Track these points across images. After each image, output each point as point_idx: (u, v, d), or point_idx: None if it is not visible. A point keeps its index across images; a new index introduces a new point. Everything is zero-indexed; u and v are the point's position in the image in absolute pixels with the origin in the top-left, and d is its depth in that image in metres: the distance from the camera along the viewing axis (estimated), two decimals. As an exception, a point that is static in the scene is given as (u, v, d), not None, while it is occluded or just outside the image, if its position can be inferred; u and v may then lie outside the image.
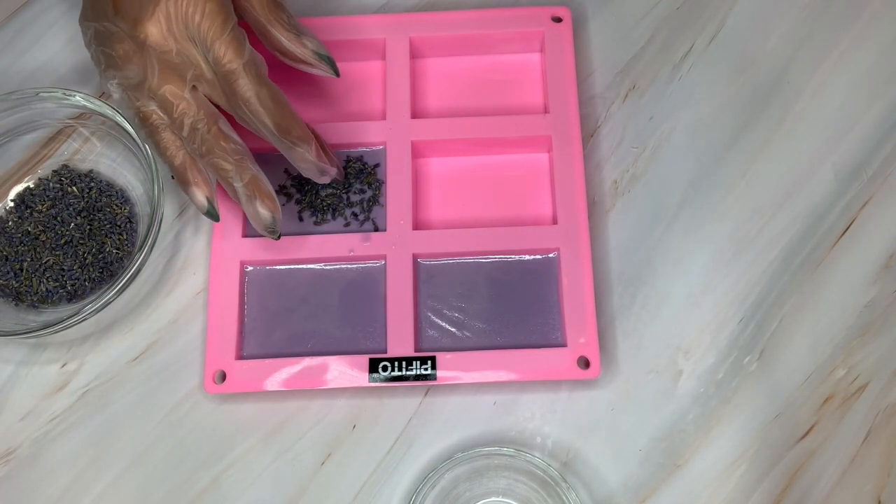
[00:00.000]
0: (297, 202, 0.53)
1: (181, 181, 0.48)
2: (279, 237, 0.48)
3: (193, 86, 0.46)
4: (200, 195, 0.47)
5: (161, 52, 0.46)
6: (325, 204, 0.52)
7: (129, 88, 0.47)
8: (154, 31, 0.46)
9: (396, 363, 0.48)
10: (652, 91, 0.55)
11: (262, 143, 0.48)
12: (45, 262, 0.51)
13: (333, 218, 0.52)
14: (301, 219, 0.52)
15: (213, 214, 0.48)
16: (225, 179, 0.47)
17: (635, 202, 0.53)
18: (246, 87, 0.45)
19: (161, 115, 0.47)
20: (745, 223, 0.52)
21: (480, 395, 0.49)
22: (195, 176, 0.47)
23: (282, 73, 0.55)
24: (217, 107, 0.47)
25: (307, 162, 0.47)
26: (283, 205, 0.53)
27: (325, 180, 0.49)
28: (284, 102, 0.46)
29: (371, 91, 0.56)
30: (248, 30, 0.48)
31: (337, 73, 0.49)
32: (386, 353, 0.49)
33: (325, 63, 0.48)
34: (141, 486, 0.48)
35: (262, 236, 0.51)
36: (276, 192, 0.53)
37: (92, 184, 0.53)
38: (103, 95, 0.55)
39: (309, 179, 0.53)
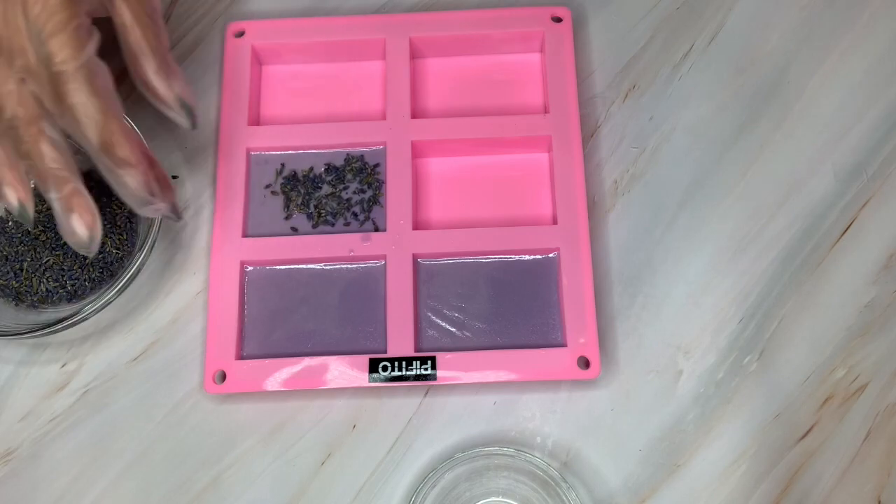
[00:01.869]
0: (297, 202, 0.53)
1: None
2: (94, 255, 0.45)
3: (22, 78, 0.41)
4: (12, 195, 0.43)
5: None
6: (324, 204, 0.52)
7: None
8: None
9: (396, 363, 0.48)
10: (652, 91, 0.55)
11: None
12: (45, 262, 0.51)
13: (333, 218, 0.52)
14: (300, 218, 0.52)
15: (26, 217, 0.44)
16: (41, 188, 0.43)
17: (635, 202, 0.53)
18: (75, 92, 0.40)
19: None
20: (745, 223, 0.52)
21: (480, 395, 0.50)
22: (6, 174, 0.43)
23: (279, 72, 0.56)
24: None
25: (126, 188, 0.43)
26: (283, 206, 0.53)
27: (148, 214, 0.45)
28: (115, 118, 0.41)
29: (371, 91, 0.56)
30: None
31: (193, 126, 0.45)
32: (386, 353, 0.49)
33: (184, 112, 0.44)
34: (141, 486, 0.48)
35: (262, 236, 0.52)
36: (277, 191, 0.53)
37: (92, 183, 0.53)
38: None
39: (308, 179, 0.53)
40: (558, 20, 0.55)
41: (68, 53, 0.40)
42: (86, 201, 0.43)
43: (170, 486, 0.48)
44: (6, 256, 0.52)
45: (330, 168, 0.53)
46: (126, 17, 0.42)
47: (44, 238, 0.52)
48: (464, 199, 0.53)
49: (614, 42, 0.56)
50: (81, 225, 0.43)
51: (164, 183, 0.46)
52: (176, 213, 0.47)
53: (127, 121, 0.48)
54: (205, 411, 0.50)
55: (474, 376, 0.48)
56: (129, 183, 0.42)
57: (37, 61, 0.41)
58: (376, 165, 0.53)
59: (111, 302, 0.48)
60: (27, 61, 0.41)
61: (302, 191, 0.53)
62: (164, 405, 0.50)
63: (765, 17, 0.57)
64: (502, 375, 0.48)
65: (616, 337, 0.50)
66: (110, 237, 0.52)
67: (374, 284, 0.51)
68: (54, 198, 0.43)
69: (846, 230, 0.52)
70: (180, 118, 0.44)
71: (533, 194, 0.53)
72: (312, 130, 0.53)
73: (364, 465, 0.48)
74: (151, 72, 0.43)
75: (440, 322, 0.50)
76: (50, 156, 0.42)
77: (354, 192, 0.53)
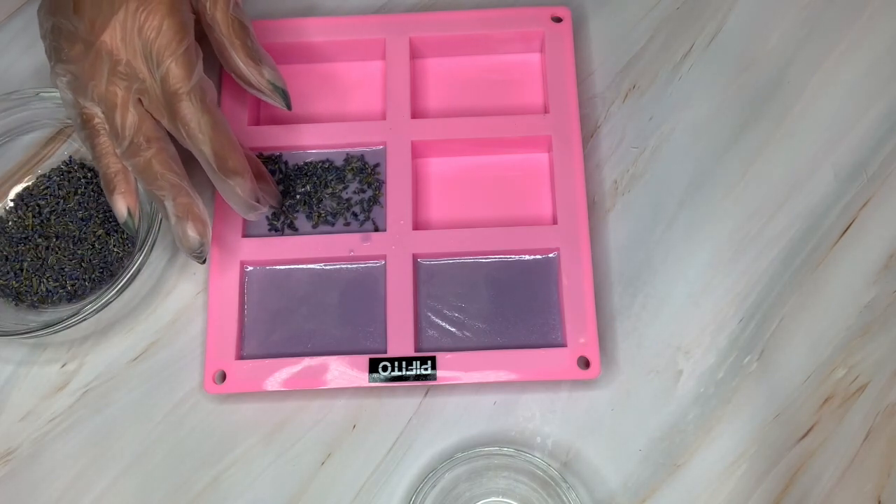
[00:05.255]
0: (297, 202, 0.53)
1: (106, 187, 0.47)
2: (205, 262, 0.47)
3: (139, 99, 0.46)
4: (122, 204, 0.47)
5: (112, 60, 0.45)
6: (324, 205, 0.52)
7: (77, 89, 0.47)
8: (108, 37, 0.45)
9: (396, 363, 0.48)
10: (652, 91, 0.55)
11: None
12: (46, 262, 0.51)
13: (333, 218, 0.52)
14: (298, 218, 0.52)
15: (130, 227, 0.47)
16: (157, 198, 0.46)
17: (635, 202, 0.53)
18: (188, 110, 0.45)
19: (103, 119, 0.47)
20: (745, 223, 0.52)
21: (480, 395, 0.49)
22: (122, 185, 0.47)
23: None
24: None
25: (237, 197, 0.46)
26: (284, 204, 0.53)
27: (252, 217, 0.49)
28: (225, 131, 0.46)
29: (371, 91, 0.56)
30: (207, 49, 0.48)
31: (289, 107, 0.49)
32: (386, 353, 0.49)
33: (278, 95, 0.48)
34: (141, 486, 0.48)
35: (262, 236, 0.52)
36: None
37: (92, 183, 0.53)
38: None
39: (309, 179, 0.53)
40: (558, 20, 0.55)
41: (182, 75, 0.44)
42: (199, 210, 0.46)
43: (170, 486, 0.48)
44: (6, 256, 0.52)
45: (330, 168, 0.53)
46: (214, 15, 0.47)
47: (44, 238, 0.52)
48: (464, 199, 0.53)
49: (614, 42, 0.56)
50: (194, 231, 0.46)
51: (268, 180, 0.50)
52: (278, 202, 0.52)
53: None
54: (205, 411, 0.50)
55: (474, 376, 0.48)
56: (239, 192, 0.46)
57: (152, 82, 0.45)
58: (376, 165, 0.53)
59: (111, 302, 0.48)
60: (143, 83, 0.45)
61: (302, 191, 0.53)
62: (164, 405, 0.50)
63: (765, 17, 0.57)
64: (502, 375, 0.48)
65: (616, 337, 0.50)
66: (111, 236, 0.52)
67: (374, 284, 0.51)
68: (169, 206, 0.46)
69: (846, 230, 0.52)
70: (276, 101, 0.49)
71: (533, 194, 0.53)
72: (312, 130, 0.53)
73: (364, 465, 0.48)
74: (241, 63, 0.47)
75: (440, 322, 0.50)
76: (167, 169, 0.46)
77: (354, 192, 0.53)
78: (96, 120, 0.47)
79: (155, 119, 0.46)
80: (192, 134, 0.45)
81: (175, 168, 0.46)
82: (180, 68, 0.45)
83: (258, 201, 0.47)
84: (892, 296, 0.51)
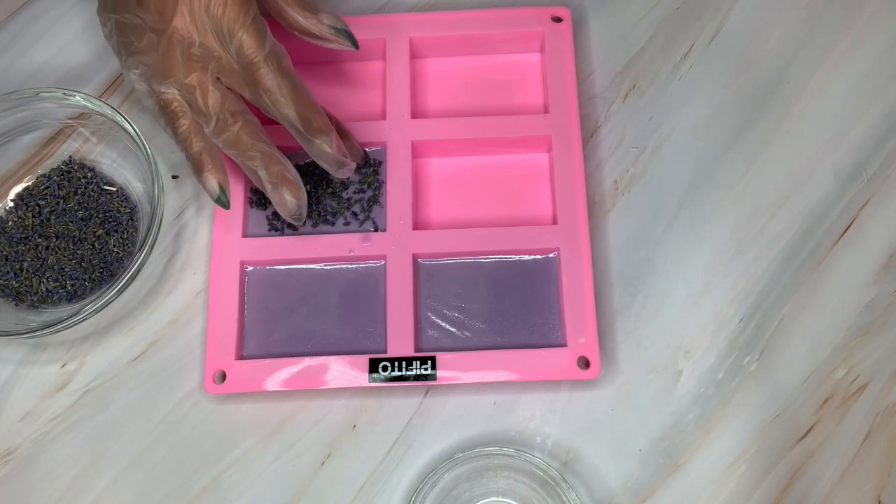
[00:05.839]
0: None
1: (195, 168, 0.48)
2: (304, 224, 0.49)
3: (217, 77, 0.47)
4: (213, 181, 0.48)
5: (185, 44, 0.47)
6: (324, 204, 0.52)
7: (152, 78, 0.47)
8: (178, 22, 0.46)
9: (396, 363, 0.48)
10: (652, 91, 0.55)
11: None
12: (46, 262, 0.51)
13: (333, 218, 0.52)
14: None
15: (223, 202, 0.48)
16: (250, 169, 0.47)
17: (635, 202, 0.53)
18: (267, 77, 0.46)
19: (182, 102, 0.47)
20: (745, 223, 0.52)
21: (480, 395, 0.49)
22: (210, 162, 0.48)
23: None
24: (243, 99, 0.48)
25: (326, 155, 0.47)
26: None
27: (344, 174, 0.49)
28: (306, 93, 0.47)
29: (371, 91, 0.56)
30: (269, 20, 0.48)
31: (356, 46, 0.49)
32: (386, 353, 0.49)
33: (342, 37, 0.48)
34: (141, 486, 0.48)
35: (262, 236, 0.52)
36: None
37: (92, 183, 0.53)
38: (104, 95, 0.55)
39: (309, 179, 0.53)
40: (558, 20, 0.55)
41: (255, 44, 0.46)
42: (292, 176, 0.47)
43: (170, 486, 0.48)
44: (6, 256, 0.52)
45: (330, 168, 0.53)
46: None
47: (44, 238, 0.52)
48: (464, 199, 0.53)
49: (614, 42, 0.56)
50: (290, 195, 0.47)
51: (349, 137, 0.52)
52: (361, 158, 0.53)
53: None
54: (205, 411, 0.50)
55: (474, 376, 0.48)
56: (327, 149, 0.47)
57: (228, 57, 0.47)
58: (377, 165, 0.53)
59: (111, 302, 0.48)
60: (219, 60, 0.47)
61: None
62: (164, 405, 0.50)
63: (765, 17, 0.57)
64: (502, 375, 0.48)
65: (616, 337, 0.50)
66: (111, 236, 0.52)
67: (374, 284, 0.51)
68: (263, 175, 0.47)
69: (846, 230, 0.52)
70: (342, 45, 0.49)
71: (533, 194, 0.53)
72: (312, 130, 0.53)
73: (364, 465, 0.48)
74: (299, 16, 0.48)
75: (440, 322, 0.50)
76: (257, 139, 0.47)
77: (354, 192, 0.53)
78: (175, 104, 0.47)
79: (235, 94, 0.47)
80: (275, 99, 0.46)
81: (263, 137, 0.47)
82: (252, 38, 0.46)
83: (345, 156, 0.48)
84: (892, 296, 0.51)
